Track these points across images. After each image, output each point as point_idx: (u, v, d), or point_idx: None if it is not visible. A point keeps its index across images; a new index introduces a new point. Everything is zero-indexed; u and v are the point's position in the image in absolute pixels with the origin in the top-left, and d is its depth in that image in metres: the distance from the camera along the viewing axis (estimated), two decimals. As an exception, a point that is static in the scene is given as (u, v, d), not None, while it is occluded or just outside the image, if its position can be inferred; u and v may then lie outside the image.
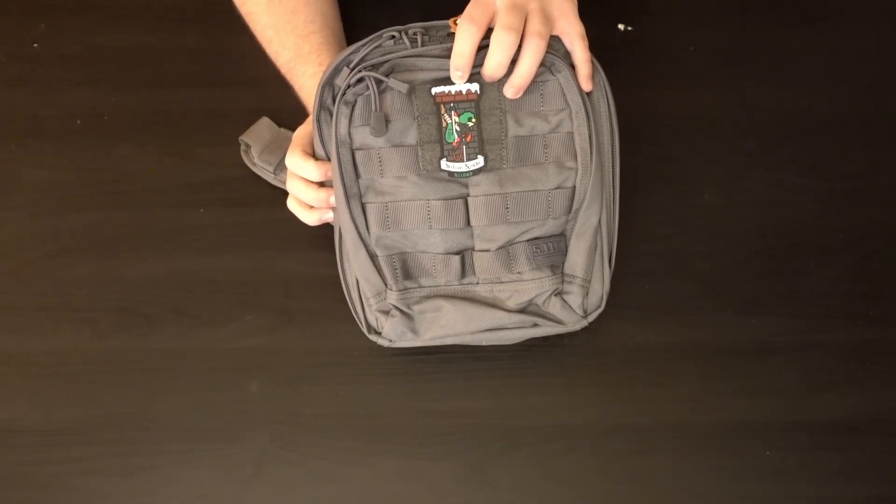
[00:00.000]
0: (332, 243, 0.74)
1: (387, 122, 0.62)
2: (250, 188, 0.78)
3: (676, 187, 0.78)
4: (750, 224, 0.76)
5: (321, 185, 0.67)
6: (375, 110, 0.62)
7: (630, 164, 0.67)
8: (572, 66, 0.63)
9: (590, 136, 0.63)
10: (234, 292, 0.73)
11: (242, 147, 0.78)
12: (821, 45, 0.84)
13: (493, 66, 0.60)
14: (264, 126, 0.79)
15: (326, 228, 0.76)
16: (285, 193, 0.77)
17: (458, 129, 0.63)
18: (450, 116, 0.62)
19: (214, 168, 0.79)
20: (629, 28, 0.84)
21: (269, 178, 0.77)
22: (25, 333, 0.72)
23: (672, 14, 0.86)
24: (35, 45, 0.85)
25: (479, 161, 0.63)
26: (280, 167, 0.76)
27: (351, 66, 0.62)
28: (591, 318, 0.68)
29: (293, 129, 0.76)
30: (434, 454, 0.68)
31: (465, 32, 0.60)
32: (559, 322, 0.67)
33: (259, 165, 0.77)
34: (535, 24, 0.60)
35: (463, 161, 0.63)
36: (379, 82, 0.62)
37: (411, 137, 0.63)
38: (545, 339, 0.71)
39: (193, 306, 0.73)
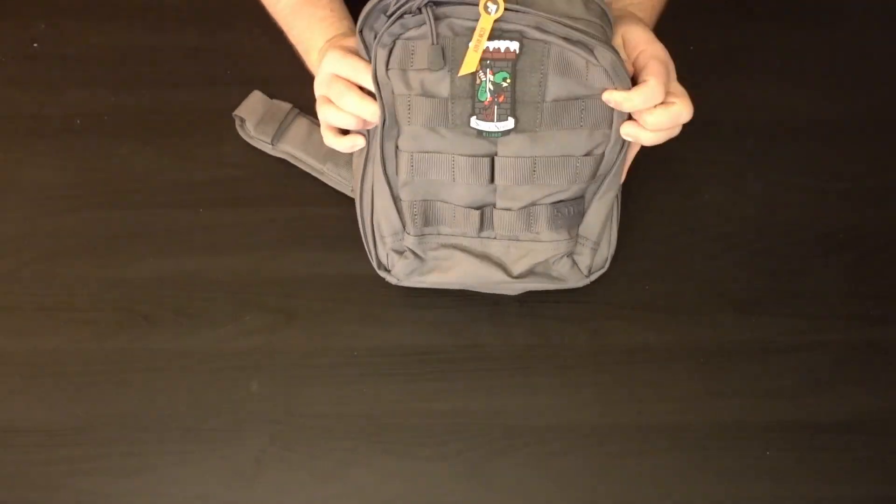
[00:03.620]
0: (332, 243, 0.75)
1: (443, 56, 0.59)
2: (250, 188, 0.78)
3: (676, 187, 0.78)
4: (750, 224, 0.76)
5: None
6: (434, 43, 0.58)
7: (630, 164, 0.67)
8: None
9: None
10: (234, 292, 0.73)
11: (237, 122, 0.79)
12: (821, 45, 0.84)
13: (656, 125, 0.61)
14: (257, 99, 0.79)
15: (325, 228, 0.76)
16: (286, 192, 0.77)
17: (491, 87, 0.60)
18: (485, 74, 0.60)
19: (214, 168, 0.79)
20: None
21: (267, 149, 0.78)
22: (25, 333, 0.72)
23: (671, 14, 0.86)
24: (35, 45, 0.85)
25: (510, 123, 0.61)
26: (277, 137, 0.77)
27: (387, 12, 0.59)
28: (594, 277, 0.69)
29: None
30: (434, 454, 0.68)
31: (652, 92, 0.59)
32: (562, 279, 0.69)
33: (256, 138, 0.78)
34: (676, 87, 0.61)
35: (493, 121, 0.61)
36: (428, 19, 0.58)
37: (444, 89, 0.61)
38: (545, 339, 0.71)
39: (193, 306, 0.73)
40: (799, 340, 0.72)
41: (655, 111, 0.60)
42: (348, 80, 0.62)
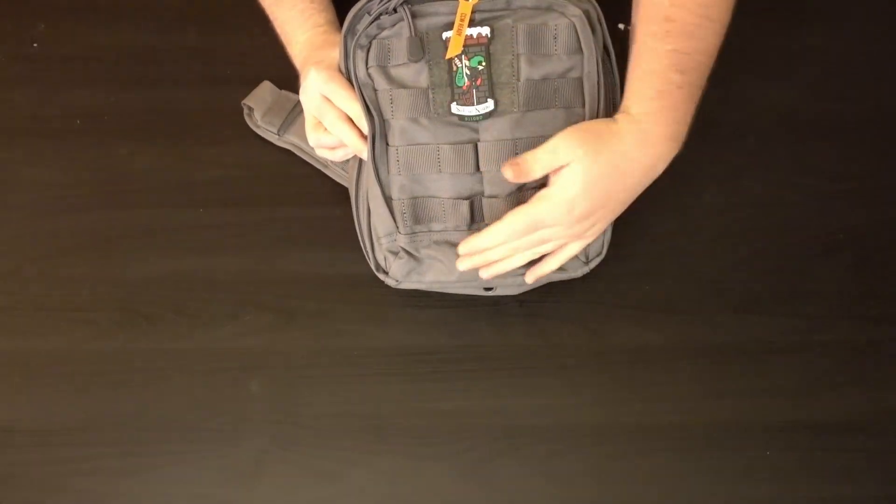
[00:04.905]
0: (332, 243, 0.75)
1: (422, 46, 0.63)
2: (250, 188, 0.78)
3: (676, 187, 0.78)
4: (750, 224, 0.76)
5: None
6: (412, 35, 0.62)
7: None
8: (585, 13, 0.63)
9: (598, 82, 0.64)
10: (234, 292, 0.73)
11: (245, 111, 0.80)
12: (821, 45, 0.84)
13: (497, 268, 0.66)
14: (266, 89, 0.80)
15: (325, 228, 0.76)
16: (286, 192, 0.77)
17: (468, 72, 0.63)
18: (460, 60, 0.63)
19: (214, 168, 0.79)
20: (629, 28, 0.84)
21: (273, 139, 0.78)
22: (25, 333, 0.72)
23: (672, 14, 0.86)
24: (35, 45, 0.85)
25: (490, 105, 0.63)
26: (283, 128, 0.77)
27: (371, 12, 0.62)
28: (593, 264, 0.70)
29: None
30: (434, 454, 0.68)
31: (496, 234, 0.62)
32: (562, 269, 0.69)
33: (262, 127, 0.78)
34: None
35: (473, 105, 0.64)
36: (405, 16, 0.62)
37: (423, 80, 0.64)
38: (545, 339, 0.71)
39: (193, 306, 0.73)
40: (799, 340, 0.71)
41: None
42: (339, 109, 0.66)
